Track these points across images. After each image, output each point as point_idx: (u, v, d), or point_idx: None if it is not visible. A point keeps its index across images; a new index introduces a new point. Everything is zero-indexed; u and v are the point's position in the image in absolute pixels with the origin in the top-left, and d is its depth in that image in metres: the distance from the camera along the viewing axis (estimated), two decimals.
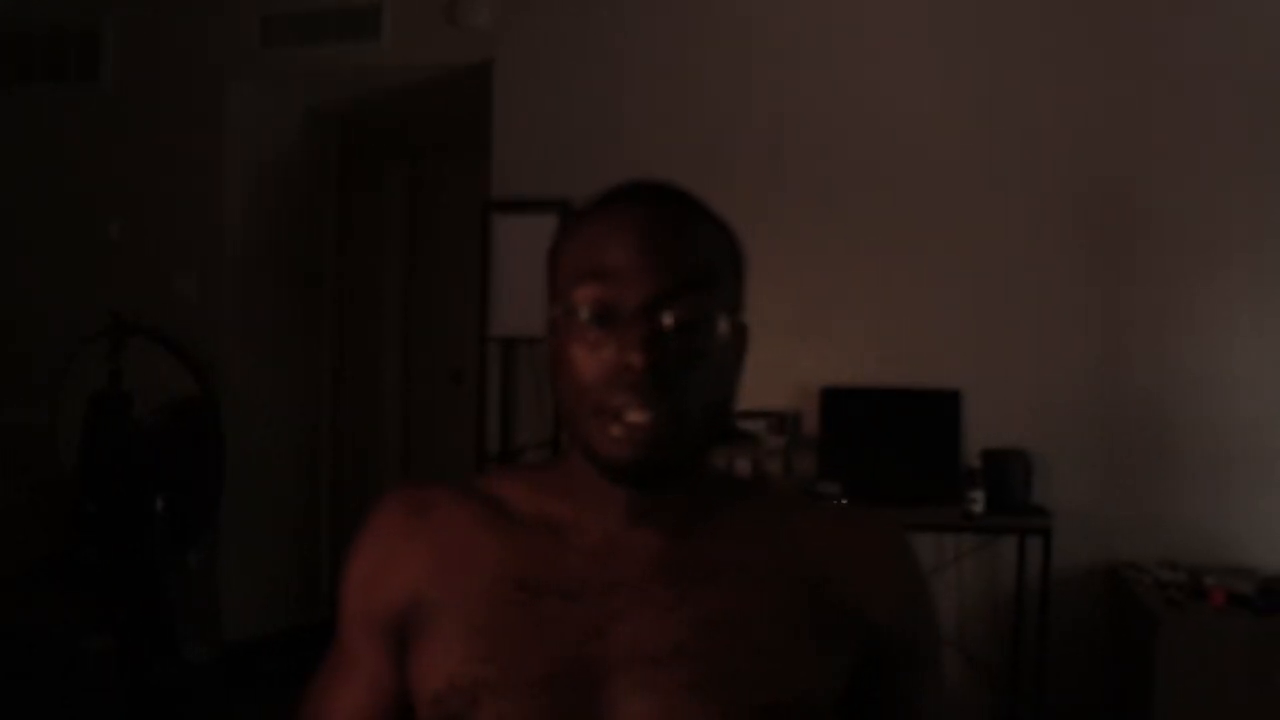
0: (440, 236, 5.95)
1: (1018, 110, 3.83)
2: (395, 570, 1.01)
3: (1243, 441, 3.62)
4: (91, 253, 4.70)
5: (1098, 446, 3.74)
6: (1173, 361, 3.69)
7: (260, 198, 4.77)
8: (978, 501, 3.37)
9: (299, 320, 5.11)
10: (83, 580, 3.87)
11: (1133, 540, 3.66)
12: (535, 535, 0.98)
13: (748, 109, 4.03)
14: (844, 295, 3.94)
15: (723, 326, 0.92)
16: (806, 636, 0.95)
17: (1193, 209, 3.69)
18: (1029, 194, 3.82)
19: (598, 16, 4.18)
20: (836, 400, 3.84)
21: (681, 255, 0.91)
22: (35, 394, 4.66)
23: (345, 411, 5.54)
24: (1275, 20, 3.63)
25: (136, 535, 3.85)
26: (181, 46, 4.61)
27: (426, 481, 1.07)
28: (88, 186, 4.72)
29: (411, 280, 6.05)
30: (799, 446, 3.91)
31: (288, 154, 4.98)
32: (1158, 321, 3.71)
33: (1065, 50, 3.80)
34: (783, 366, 3.92)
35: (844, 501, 3.36)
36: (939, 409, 3.78)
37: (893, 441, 3.80)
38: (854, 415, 3.83)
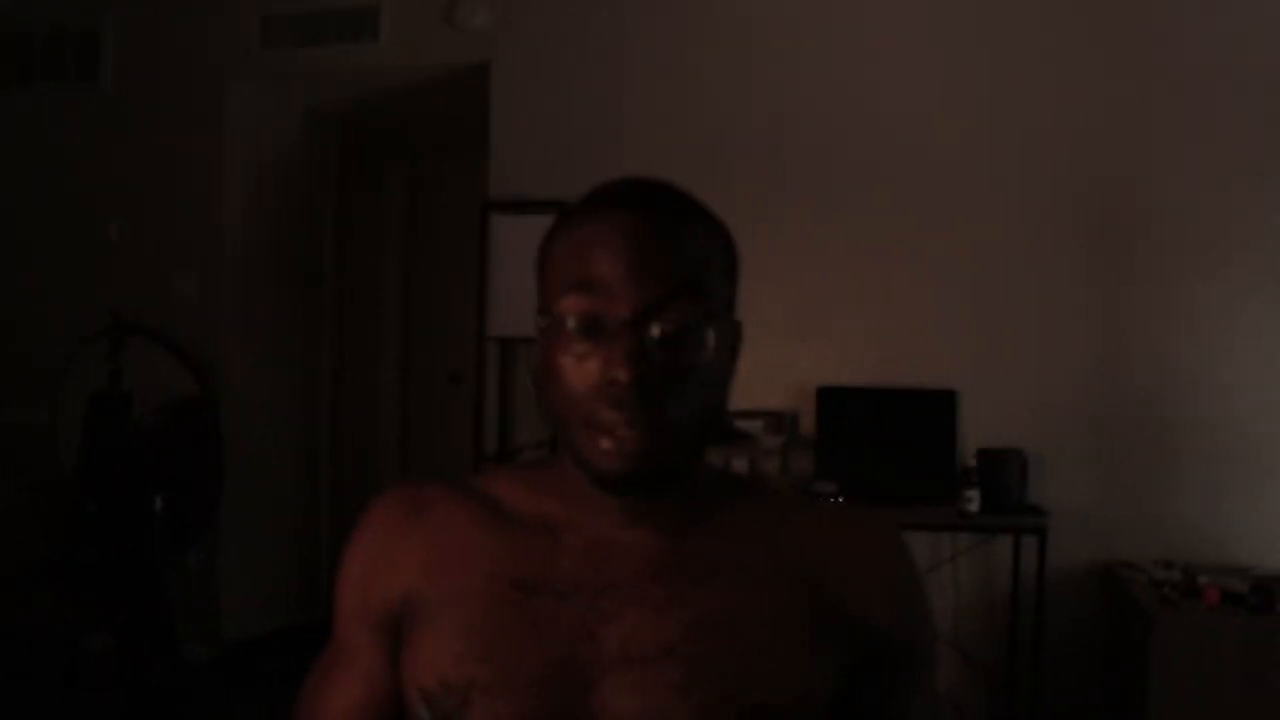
0: (439, 237, 5.96)
1: (1016, 110, 3.84)
2: (391, 567, 1.01)
3: (1238, 441, 3.63)
4: (91, 253, 4.71)
5: (1093, 446, 3.75)
6: (1168, 361, 3.70)
7: (260, 198, 4.78)
8: (974, 501, 3.38)
9: (298, 320, 5.12)
10: (83, 580, 3.88)
11: (1128, 539, 3.67)
12: (530, 535, 0.98)
13: (746, 109, 4.04)
14: (841, 295, 3.95)
15: (711, 338, 0.90)
16: (801, 637, 0.95)
17: (1191, 209, 3.70)
18: (1027, 194, 3.82)
19: (596, 17, 4.18)
20: (833, 400, 3.85)
21: (669, 264, 0.89)
22: (35, 394, 4.68)
23: (345, 411, 5.55)
24: (1267, 23, 3.64)
25: (136, 535, 3.86)
26: (181, 47, 4.62)
27: (422, 480, 1.07)
28: (88, 186, 4.73)
29: (411, 280, 6.06)
30: (796, 446, 3.92)
31: (287, 154, 4.98)
32: (1154, 322, 3.72)
33: (1065, 50, 3.81)
34: (780, 366, 3.94)
35: (840, 501, 3.37)
36: (935, 409, 3.79)
37: (889, 441, 3.81)
38: (851, 415, 3.84)
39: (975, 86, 3.88)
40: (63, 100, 4.77)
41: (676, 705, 0.90)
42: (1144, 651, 3.06)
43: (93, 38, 4.71)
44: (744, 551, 0.98)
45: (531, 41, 4.23)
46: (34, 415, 4.65)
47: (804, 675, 0.94)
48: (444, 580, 0.98)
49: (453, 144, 5.65)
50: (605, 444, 0.89)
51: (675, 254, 0.90)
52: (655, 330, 0.88)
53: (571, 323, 0.89)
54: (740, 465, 3.67)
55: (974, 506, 3.38)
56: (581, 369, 0.89)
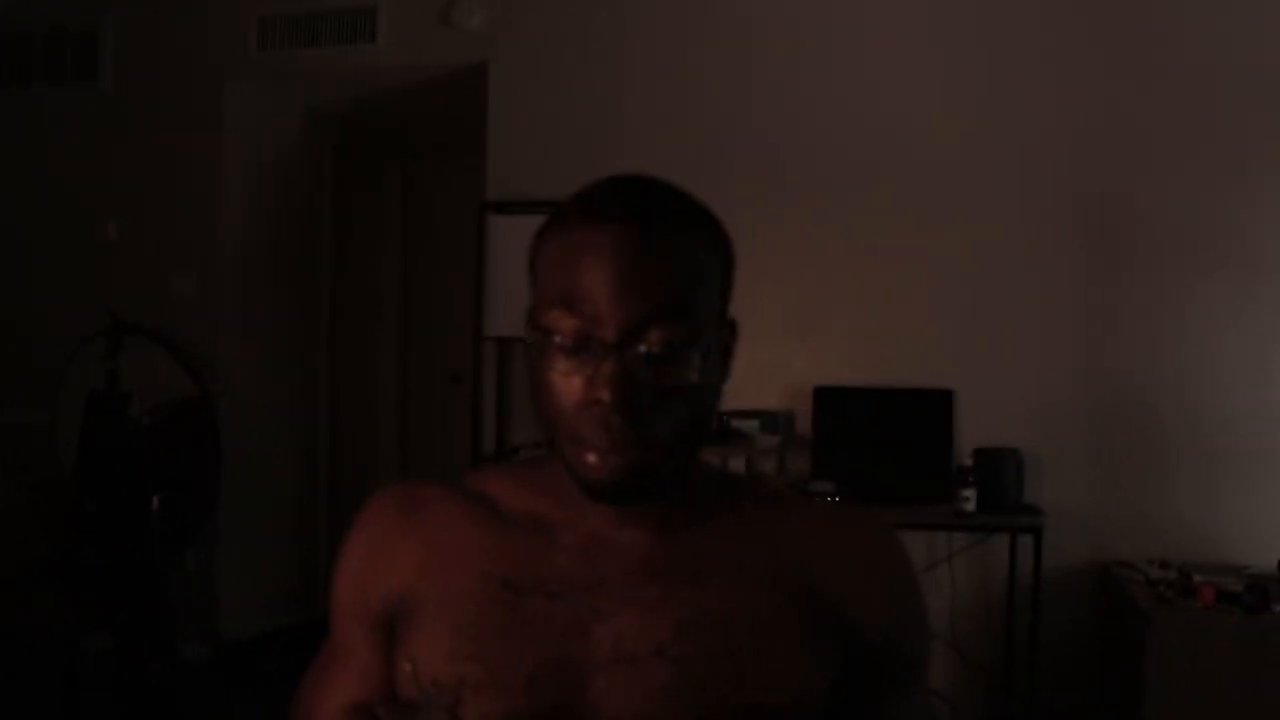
0: (437, 237, 5.96)
1: (1014, 112, 3.85)
2: (387, 566, 1.01)
3: (1232, 441, 3.64)
4: (90, 253, 4.72)
5: (1089, 446, 3.76)
6: (1164, 362, 3.71)
7: (258, 198, 4.79)
8: (970, 500, 3.39)
9: (297, 320, 5.13)
10: (82, 580, 3.88)
11: (1124, 539, 3.68)
12: (524, 534, 0.98)
13: (745, 109, 4.04)
14: (839, 295, 3.96)
15: (698, 357, 0.89)
16: (793, 637, 0.94)
17: (1187, 211, 3.71)
18: (1024, 195, 3.83)
19: (594, 17, 4.19)
20: (830, 399, 3.86)
21: (657, 282, 0.87)
22: (34, 394, 4.68)
23: (343, 411, 5.55)
24: (1266, 24, 3.65)
25: (135, 535, 3.87)
26: (180, 47, 4.63)
27: (418, 479, 1.07)
28: (87, 187, 4.73)
29: (409, 280, 6.06)
30: (793, 445, 3.93)
31: (285, 154, 4.99)
32: (1150, 322, 3.73)
33: (1063, 52, 3.81)
34: (777, 366, 3.95)
35: (836, 500, 3.38)
36: (932, 408, 3.80)
37: (886, 441, 3.82)
38: (847, 414, 3.85)
39: (974, 88, 3.88)
40: (62, 101, 4.78)
41: (668, 705, 0.90)
42: (1140, 650, 3.07)
43: (92, 38, 4.72)
44: (738, 551, 0.98)
45: (529, 42, 4.24)
46: (33, 415, 4.66)
47: (797, 675, 0.94)
48: (439, 579, 0.98)
49: (450, 144, 5.65)
50: (591, 459, 0.89)
51: (664, 270, 0.88)
52: (642, 349, 0.87)
53: (558, 340, 0.88)
54: (737, 465, 3.68)
55: (970, 506, 3.39)
56: (568, 384, 0.89)
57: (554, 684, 0.91)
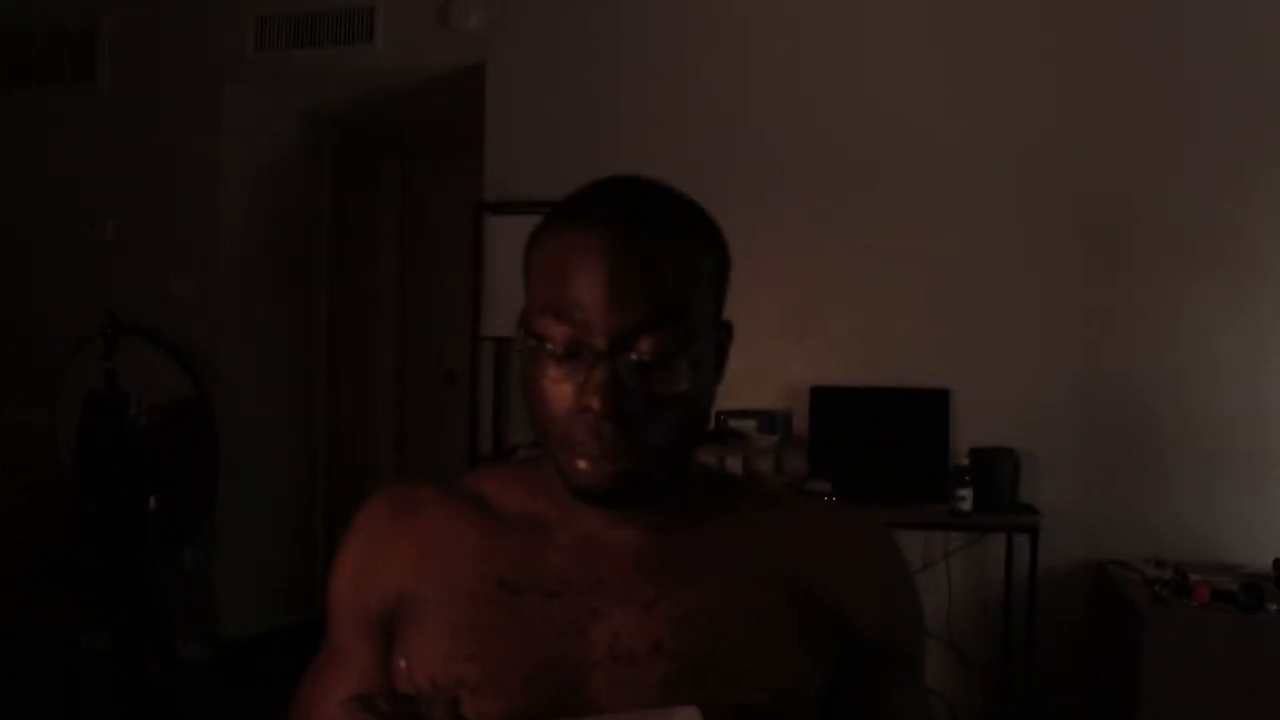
0: (434, 237, 5.96)
1: (1011, 114, 3.85)
2: (383, 567, 1.01)
3: (1229, 441, 3.65)
4: (88, 253, 4.72)
5: (1085, 445, 3.77)
6: (1160, 362, 3.72)
7: (256, 198, 4.79)
8: (966, 500, 3.40)
9: (294, 320, 5.13)
10: (81, 579, 3.89)
11: (1119, 538, 3.69)
12: (519, 533, 0.99)
13: (742, 110, 4.05)
14: (836, 295, 3.97)
15: (689, 364, 0.88)
16: (789, 635, 0.95)
17: (1182, 212, 3.72)
18: (1020, 196, 3.84)
19: (591, 18, 4.19)
20: (827, 399, 3.87)
21: (648, 289, 0.86)
22: (33, 394, 4.69)
23: (340, 411, 5.56)
24: (1264, 26, 3.66)
25: (133, 535, 3.87)
26: (178, 48, 4.63)
27: (414, 480, 1.07)
28: (85, 187, 4.74)
29: (406, 280, 6.07)
30: (790, 445, 3.94)
31: (283, 155, 5.00)
32: (1145, 323, 3.74)
33: (1061, 54, 3.82)
34: (774, 366, 3.96)
35: (833, 499, 3.39)
36: (928, 408, 3.81)
37: (882, 440, 3.83)
38: (844, 414, 3.86)
39: (971, 89, 3.89)
40: (60, 101, 4.78)
41: (666, 702, 0.90)
42: (1136, 649, 3.07)
43: (90, 39, 4.72)
44: (734, 550, 0.98)
45: (526, 43, 4.24)
46: (32, 415, 4.67)
47: (793, 673, 0.95)
48: (435, 580, 0.98)
49: (448, 145, 5.66)
50: (582, 464, 0.89)
51: (655, 276, 0.87)
52: (633, 356, 0.86)
53: (549, 347, 0.88)
54: (734, 465, 3.69)
55: (967, 505, 3.40)
56: (559, 391, 0.89)
57: (552, 683, 0.91)
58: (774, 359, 3.96)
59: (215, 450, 4.41)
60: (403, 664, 0.91)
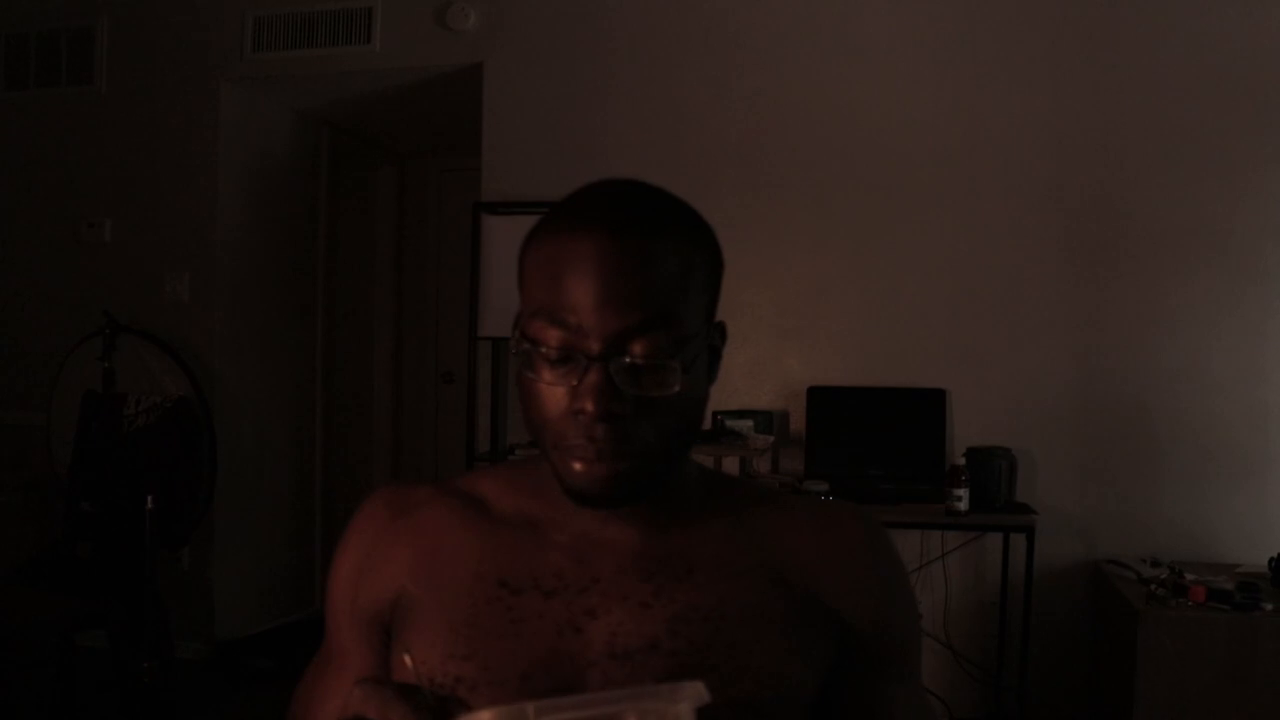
0: (431, 237, 5.98)
1: (1001, 115, 3.86)
2: (380, 568, 1.02)
3: (1223, 440, 3.67)
4: (85, 254, 4.72)
5: (1080, 445, 3.78)
6: (1153, 362, 3.73)
7: (253, 199, 4.79)
8: (963, 499, 3.40)
9: (291, 320, 5.13)
10: (77, 579, 3.89)
11: (1115, 537, 3.71)
12: (515, 533, 0.99)
13: (735, 112, 4.05)
14: (831, 296, 3.98)
15: (682, 366, 0.89)
16: (783, 631, 0.95)
17: (1173, 213, 3.73)
18: (1013, 197, 3.84)
19: (587, 19, 4.20)
20: (823, 399, 3.87)
21: (640, 293, 0.87)
22: (30, 394, 4.69)
23: (337, 411, 5.56)
24: (1254, 26, 3.67)
25: (130, 534, 3.87)
26: (175, 49, 4.62)
27: (409, 481, 1.08)
28: (82, 188, 4.73)
29: (403, 280, 6.07)
30: (787, 445, 3.95)
31: (280, 155, 5.00)
32: (1138, 322, 3.75)
33: (1049, 56, 3.82)
34: (770, 366, 3.97)
35: (829, 498, 3.39)
36: (924, 408, 3.82)
37: (879, 440, 3.84)
38: (841, 414, 3.87)
39: (960, 90, 3.90)
40: (57, 102, 4.78)
41: None
42: (1131, 648, 3.09)
43: (87, 40, 4.72)
44: (728, 547, 0.99)
45: (524, 43, 4.25)
46: (29, 415, 4.67)
47: (789, 670, 0.95)
48: (431, 580, 0.98)
49: (445, 145, 5.67)
50: (577, 467, 0.90)
51: (647, 279, 0.88)
52: (625, 360, 0.87)
53: (543, 350, 0.89)
54: (731, 464, 3.70)
55: (963, 505, 3.40)
56: (553, 394, 0.90)
57: (549, 681, 0.92)
58: (770, 359, 3.98)
59: (212, 450, 4.41)
60: (407, 659, 0.91)
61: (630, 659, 0.92)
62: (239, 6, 4.53)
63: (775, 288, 3.98)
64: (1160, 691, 3.05)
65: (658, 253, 0.89)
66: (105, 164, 4.70)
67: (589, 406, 0.86)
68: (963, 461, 3.53)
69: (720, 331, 0.99)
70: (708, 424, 3.76)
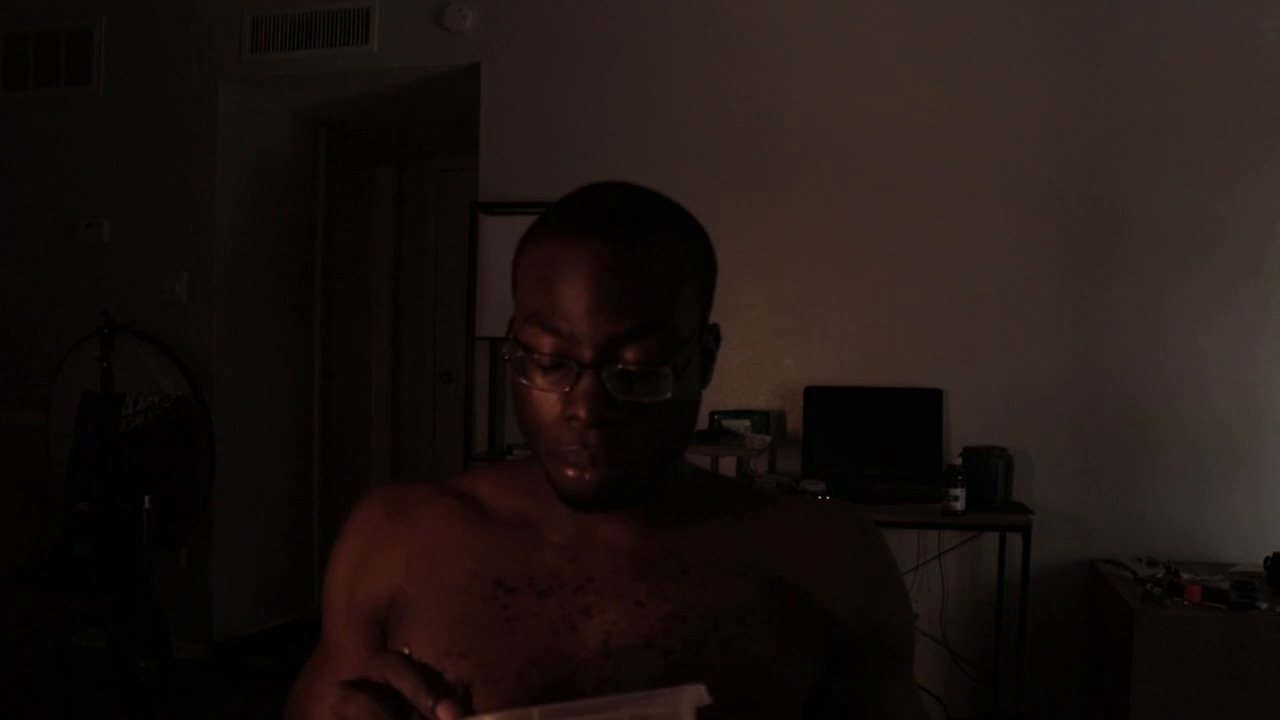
0: (428, 238, 5.98)
1: (998, 114, 3.86)
2: (376, 566, 1.02)
3: (1219, 439, 3.67)
4: (84, 254, 4.72)
5: (1077, 445, 3.79)
6: (1149, 362, 3.74)
7: (251, 199, 4.80)
8: (959, 499, 3.41)
9: (289, 320, 5.13)
10: (74, 578, 3.89)
11: (1111, 536, 3.71)
12: (510, 532, 1.00)
13: (733, 112, 4.05)
14: (828, 296, 3.98)
15: (674, 373, 0.89)
16: (777, 630, 0.96)
17: (1168, 211, 3.73)
18: (1010, 197, 3.85)
19: (585, 19, 4.20)
20: (820, 399, 3.88)
21: (633, 300, 0.87)
22: (28, 394, 4.70)
23: (335, 411, 5.56)
24: (1245, 26, 3.68)
25: (128, 534, 3.88)
26: (173, 50, 4.62)
27: (406, 480, 1.08)
28: (80, 188, 4.73)
29: (400, 281, 6.08)
30: (784, 445, 3.96)
31: (278, 156, 5.00)
32: (1134, 322, 3.76)
33: (1046, 54, 3.83)
34: (767, 366, 3.98)
35: (825, 498, 3.40)
36: (921, 408, 3.83)
37: (875, 440, 3.85)
38: (838, 414, 3.87)
39: (955, 90, 3.90)
40: (55, 103, 4.78)
41: None
42: (1128, 647, 3.09)
43: (86, 41, 4.72)
44: (722, 547, 0.99)
45: (521, 43, 4.25)
46: (27, 415, 4.68)
47: (782, 669, 0.95)
48: (428, 579, 0.99)
49: (443, 145, 5.68)
50: (570, 472, 0.90)
51: (640, 285, 0.88)
52: (618, 367, 0.87)
53: (535, 356, 0.89)
54: (728, 464, 3.70)
55: (960, 505, 3.41)
56: (546, 400, 0.90)
57: (545, 679, 0.92)
58: (768, 359, 3.99)
59: (210, 450, 4.41)
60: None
61: (625, 658, 0.93)
62: (237, 7, 4.53)
63: (772, 288, 3.98)
64: (1156, 690, 3.06)
65: (650, 258, 0.89)
66: (104, 164, 4.70)
67: (581, 413, 0.87)
68: (959, 461, 3.54)
69: (714, 334, 0.99)
70: (705, 424, 3.77)
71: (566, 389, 0.88)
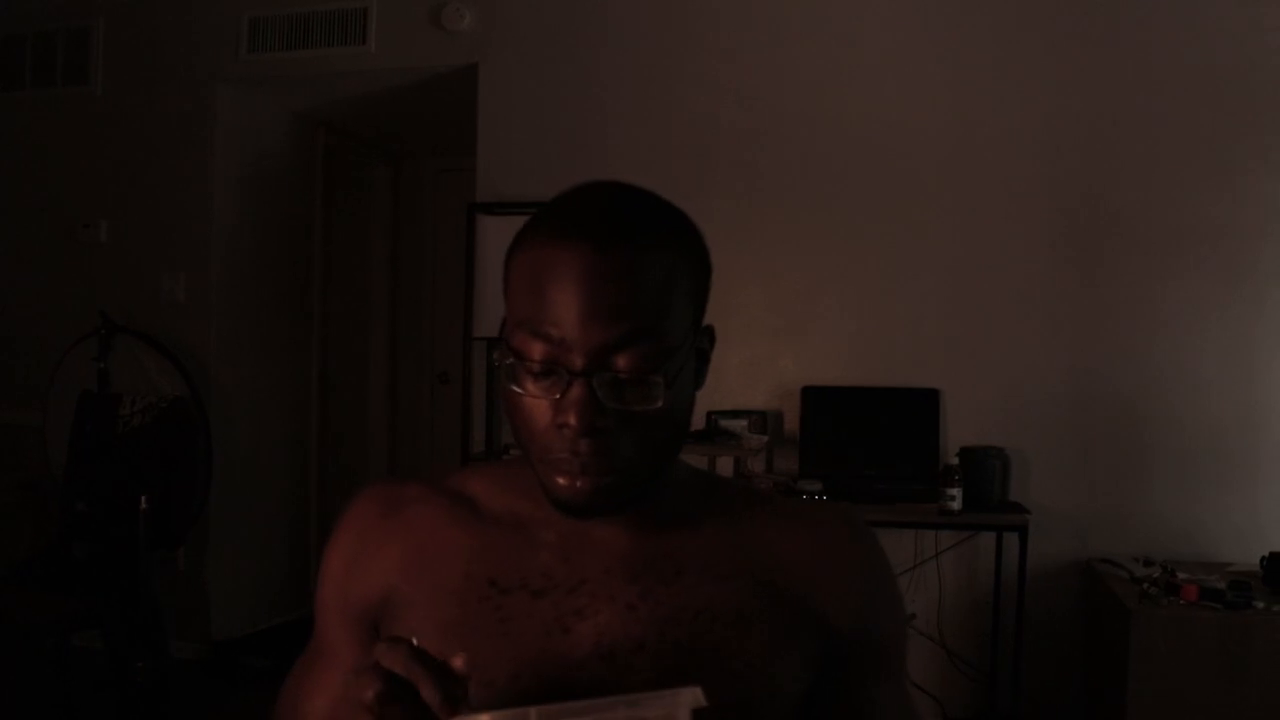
0: (426, 238, 5.98)
1: (994, 115, 3.86)
2: (370, 564, 1.02)
3: (1215, 439, 3.68)
4: (81, 254, 4.72)
5: (1073, 444, 3.79)
6: (1144, 361, 3.74)
7: (249, 199, 4.79)
8: (956, 499, 3.41)
9: (286, 321, 5.13)
10: (72, 579, 3.89)
11: (1108, 536, 3.72)
12: (504, 532, 0.99)
13: (730, 113, 4.05)
14: (825, 296, 3.98)
15: (666, 382, 0.88)
16: (771, 632, 0.96)
17: (1164, 212, 3.74)
18: (1006, 198, 3.85)
19: (583, 20, 4.20)
20: (817, 399, 3.88)
21: (625, 307, 0.86)
22: (26, 394, 4.69)
23: (333, 411, 5.56)
24: (1239, 27, 3.68)
25: (125, 534, 3.88)
26: (170, 50, 4.62)
27: (400, 478, 1.08)
28: (78, 188, 4.73)
29: (398, 281, 6.08)
30: (781, 445, 3.96)
31: (276, 156, 5.00)
32: (1130, 322, 3.76)
33: (1043, 56, 3.83)
34: (764, 366, 3.98)
35: (822, 498, 3.40)
36: (918, 408, 3.83)
37: (872, 440, 3.85)
38: (835, 414, 3.88)
39: (952, 90, 3.90)
40: (52, 102, 4.78)
41: None
42: (1124, 646, 3.10)
43: (83, 41, 4.72)
44: (715, 551, 0.99)
45: (519, 43, 4.25)
46: (24, 415, 4.67)
47: (775, 671, 0.95)
48: (421, 578, 0.98)
49: (440, 145, 5.68)
50: (561, 480, 0.90)
51: (632, 291, 0.86)
52: (609, 375, 0.86)
53: (526, 363, 0.88)
54: (725, 464, 3.71)
55: (956, 504, 3.41)
56: (537, 406, 0.89)
57: (538, 681, 0.92)
58: (764, 359, 3.99)
59: (208, 450, 4.41)
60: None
61: (618, 660, 0.93)
62: (234, 7, 4.53)
63: (769, 288, 3.98)
64: (1153, 690, 3.07)
65: (642, 265, 0.88)
66: (101, 164, 4.70)
67: (572, 421, 0.86)
68: (956, 461, 3.55)
69: (709, 335, 0.98)
70: (702, 424, 3.77)
71: (557, 396, 0.87)
